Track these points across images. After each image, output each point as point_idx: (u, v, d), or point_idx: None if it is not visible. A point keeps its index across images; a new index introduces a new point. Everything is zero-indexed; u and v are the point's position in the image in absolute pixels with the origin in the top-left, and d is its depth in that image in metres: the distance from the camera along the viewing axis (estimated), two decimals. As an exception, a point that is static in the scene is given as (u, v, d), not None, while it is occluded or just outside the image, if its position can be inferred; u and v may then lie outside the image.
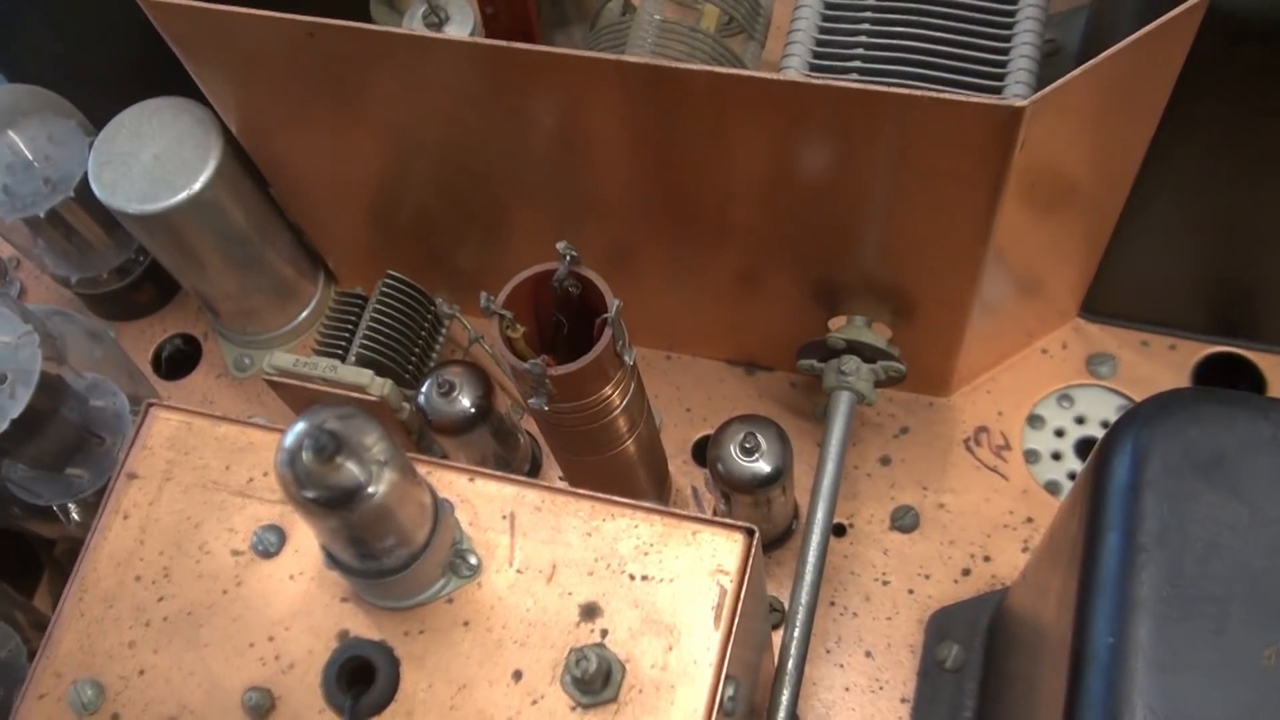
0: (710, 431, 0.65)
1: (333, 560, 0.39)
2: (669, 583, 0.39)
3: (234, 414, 0.46)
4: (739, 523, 0.40)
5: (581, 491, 0.41)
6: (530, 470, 0.66)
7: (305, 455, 0.33)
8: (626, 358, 0.48)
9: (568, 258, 0.47)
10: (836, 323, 0.60)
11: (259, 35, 0.51)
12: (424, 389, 0.58)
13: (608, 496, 0.41)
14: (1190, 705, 0.34)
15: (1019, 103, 0.42)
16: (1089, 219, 0.57)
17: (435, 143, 0.56)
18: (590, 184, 0.56)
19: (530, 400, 0.48)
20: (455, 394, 0.57)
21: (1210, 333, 0.64)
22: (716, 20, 0.62)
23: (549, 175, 0.56)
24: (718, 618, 0.39)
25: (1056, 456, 0.63)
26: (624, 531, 0.40)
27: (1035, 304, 0.63)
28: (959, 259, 0.53)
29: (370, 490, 0.34)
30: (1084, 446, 0.63)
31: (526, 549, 0.40)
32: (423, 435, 0.63)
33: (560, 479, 0.64)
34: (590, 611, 0.39)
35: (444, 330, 0.66)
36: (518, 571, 0.40)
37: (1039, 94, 0.42)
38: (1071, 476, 0.63)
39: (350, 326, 0.63)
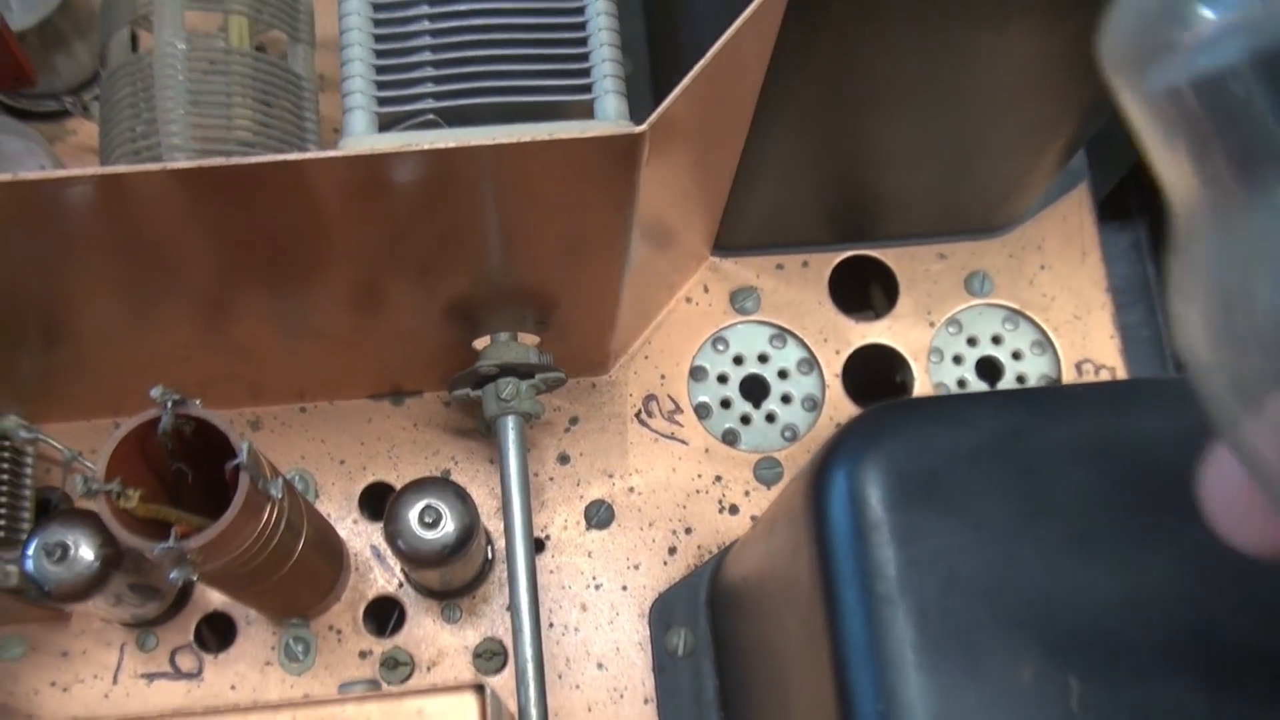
0: (373, 480, 0.59)
1: None
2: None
3: None
4: (462, 683, 0.35)
5: (258, 704, 0.35)
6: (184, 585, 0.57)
7: None
8: (274, 492, 0.42)
9: (168, 404, 0.40)
10: (481, 343, 0.55)
11: None
12: (29, 555, 0.49)
13: (290, 702, 0.35)
14: (969, 751, 0.33)
15: (638, 129, 0.38)
16: (712, 173, 0.54)
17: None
18: (161, 273, 0.47)
19: (171, 576, 0.40)
20: (71, 554, 0.48)
21: (836, 242, 0.64)
22: (250, 29, 0.53)
23: (107, 280, 0.47)
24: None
25: (726, 404, 0.62)
26: (335, 737, 0.35)
27: (671, 256, 0.60)
28: (600, 262, 0.49)
29: None
30: (749, 386, 0.63)
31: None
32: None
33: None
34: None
35: (29, 457, 0.55)
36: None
37: (656, 114, 0.38)
38: (745, 420, 0.62)
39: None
